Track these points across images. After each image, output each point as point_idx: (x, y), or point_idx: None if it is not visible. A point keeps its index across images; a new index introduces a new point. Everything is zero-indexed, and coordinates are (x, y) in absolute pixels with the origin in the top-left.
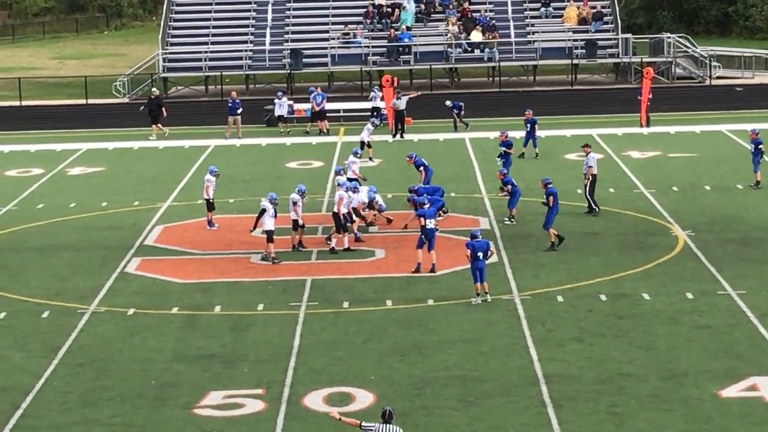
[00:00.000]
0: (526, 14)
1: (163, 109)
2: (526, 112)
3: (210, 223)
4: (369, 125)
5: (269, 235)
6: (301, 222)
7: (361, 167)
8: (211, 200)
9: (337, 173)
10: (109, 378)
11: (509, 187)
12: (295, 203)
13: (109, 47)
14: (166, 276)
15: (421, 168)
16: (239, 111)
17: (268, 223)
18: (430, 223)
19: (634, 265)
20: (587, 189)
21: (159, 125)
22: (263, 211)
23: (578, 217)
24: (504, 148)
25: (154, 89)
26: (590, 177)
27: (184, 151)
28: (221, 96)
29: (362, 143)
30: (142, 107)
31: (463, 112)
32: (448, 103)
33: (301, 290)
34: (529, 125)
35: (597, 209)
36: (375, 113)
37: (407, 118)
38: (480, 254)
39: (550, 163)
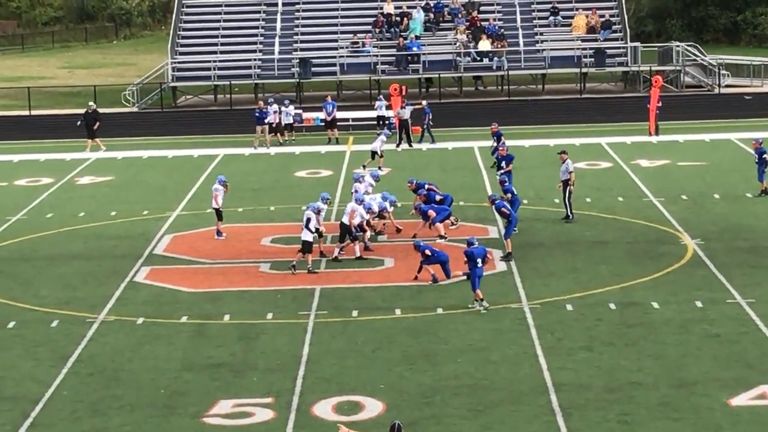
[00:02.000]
0: (535, 23)
1: (98, 122)
2: (492, 126)
3: (218, 233)
4: (383, 135)
5: (306, 246)
6: (322, 230)
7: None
8: (219, 209)
9: (356, 180)
10: (118, 387)
11: (509, 195)
12: (319, 211)
13: (118, 56)
14: (175, 285)
15: (423, 191)
16: (266, 120)
17: (306, 233)
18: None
19: (644, 273)
20: (568, 196)
21: (97, 140)
22: (308, 220)
23: (588, 226)
24: (504, 162)
25: (90, 103)
26: (573, 183)
27: (193, 160)
28: (230, 105)
29: (373, 153)
30: (78, 122)
31: (431, 122)
32: (424, 102)
33: (310, 299)
34: (495, 138)
35: (570, 216)
36: (380, 122)
37: (415, 127)
38: (479, 261)
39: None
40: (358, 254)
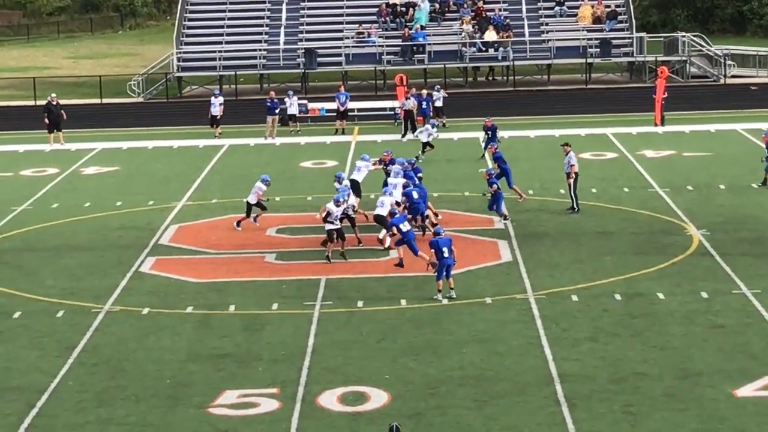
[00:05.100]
0: (541, 13)
1: (62, 112)
2: (486, 120)
3: (238, 223)
4: (428, 126)
5: (329, 235)
6: (351, 213)
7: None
8: (252, 205)
9: (395, 175)
10: (123, 377)
11: (495, 187)
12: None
13: (123, 47)
14: (180, 275)
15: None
16: (277, 111)
17: (330, 224)
18: (405, 227)
19: (649, 264)
20: (572, 187)
21: (60, 133)
22: (328, 214)
23: (593, 217)
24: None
25: (53, 94)
26: (573, 175)
27: (198, 150)
28: (235, 95)
29: (425, 145)
30: (47, 119)
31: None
32: (424, 91)
33: (316, 290)
34: (490, 132)
35: (576, 208)
36: (438, 113)
37: (419, 118)
38: (445, 250)
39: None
40: (387, 245)
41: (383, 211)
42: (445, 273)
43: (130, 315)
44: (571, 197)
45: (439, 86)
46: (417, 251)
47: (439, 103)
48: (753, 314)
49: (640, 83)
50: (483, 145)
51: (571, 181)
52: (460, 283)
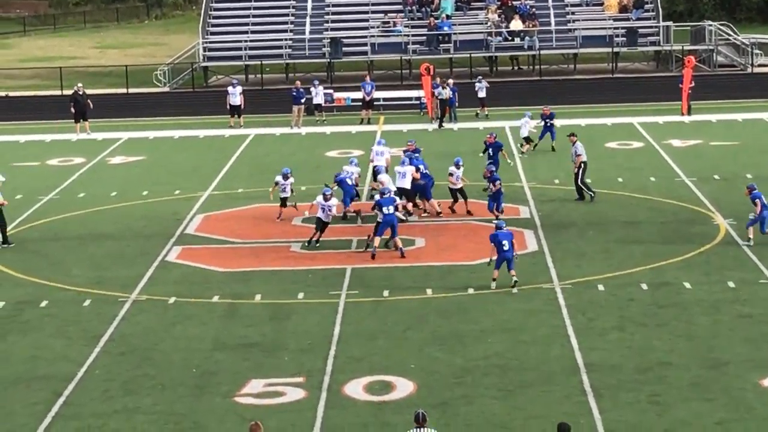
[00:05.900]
0: (567, 2)
1: (89, 102)
2: (544, 109)
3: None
4: (526, 118)
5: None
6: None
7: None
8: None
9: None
10: (150, 366)
11: (498, 183)
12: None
13: (149, 36)
14: (206, 265)
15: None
16: (303, 100)
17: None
18: (388, 210)
19: (676, 253)
20: (578, 177)
21: (87, 123)
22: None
23: (620, 206)
24: (491, 150)
25: (79, 84)
26: (580, 165)
27: (224, 140)
28: (261, 85)
29: (526, 139)
30: (73, 109)
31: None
32: (451, 81)
33: (341, 279)
34: (548, 121)
35: (592, 194)
36: (483, 104)
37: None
38: (505, 243)
39: (591, 152)
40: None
41: (406, 183)
42: (507, 266)
43: (156, 304)
44: (582, 186)
45: (481, 77)
46: (380, 234)
47: (482, 94)
48: None
49: (667, 72)
50: (540, 134)
51: (578, 170)
52: (486, 273)
